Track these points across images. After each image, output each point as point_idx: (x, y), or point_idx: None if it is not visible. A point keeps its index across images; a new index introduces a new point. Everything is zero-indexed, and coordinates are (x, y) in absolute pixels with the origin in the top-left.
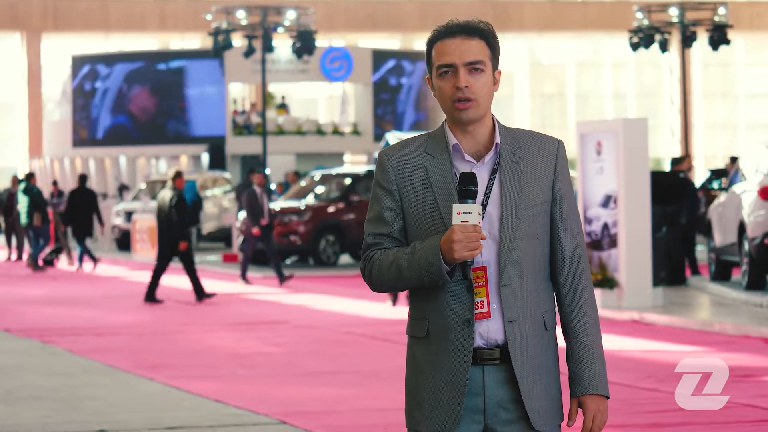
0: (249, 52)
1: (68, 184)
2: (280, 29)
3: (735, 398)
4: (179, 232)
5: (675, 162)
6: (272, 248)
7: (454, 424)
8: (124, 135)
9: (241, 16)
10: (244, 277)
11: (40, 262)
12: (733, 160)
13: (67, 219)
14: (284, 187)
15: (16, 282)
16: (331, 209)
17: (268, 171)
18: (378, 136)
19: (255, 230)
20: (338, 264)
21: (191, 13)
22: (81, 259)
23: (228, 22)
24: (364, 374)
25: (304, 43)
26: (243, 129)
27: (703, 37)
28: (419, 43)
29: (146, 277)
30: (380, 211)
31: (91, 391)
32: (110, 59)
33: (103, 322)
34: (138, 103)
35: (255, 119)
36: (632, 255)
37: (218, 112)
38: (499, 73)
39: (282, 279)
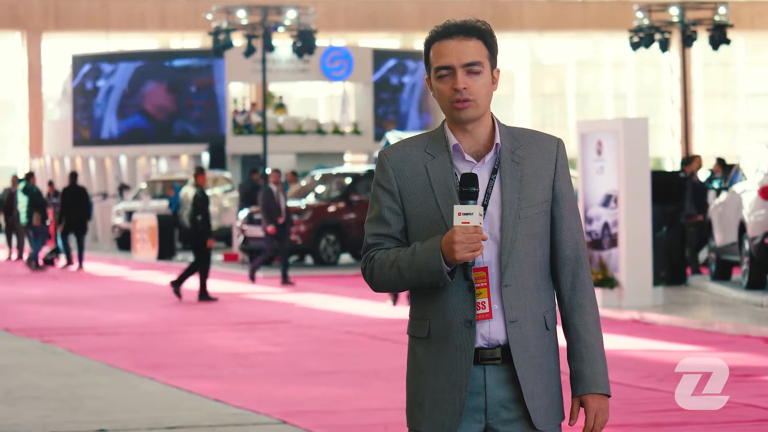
0: (249, 51)
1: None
2: (280, 29)
3: (735, 398)
4: (204, 229)
5: (685, 162)
6: (285, 247)
7: (455, 424)
8: (141, 135)
9: (241, 15)
10: (253, 275)
11: (40, 262)
12: (720, 161)
13: (61, 217)
14: (284, 187)
15: (16, 281)
16: (331, 209)
17: (268, 171)
18: (378, 136)
19: (270, 228)
20: (339, 263)
21: (191, 13)
22: (81, 258)
23: (228, 21)
24: (364, 374)
25: (305, 43)
26: (243, 128)
27: (703, 37)
28: (419, 43)
29: (146, 276)
30: (380, 212)
31: (91, 390)
32: (113, 58)
33: (104, 322)
34: (154, 101)
35: (255, 119)
36: (632, 254)
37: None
38: (498, 72)
39: (285, 279)
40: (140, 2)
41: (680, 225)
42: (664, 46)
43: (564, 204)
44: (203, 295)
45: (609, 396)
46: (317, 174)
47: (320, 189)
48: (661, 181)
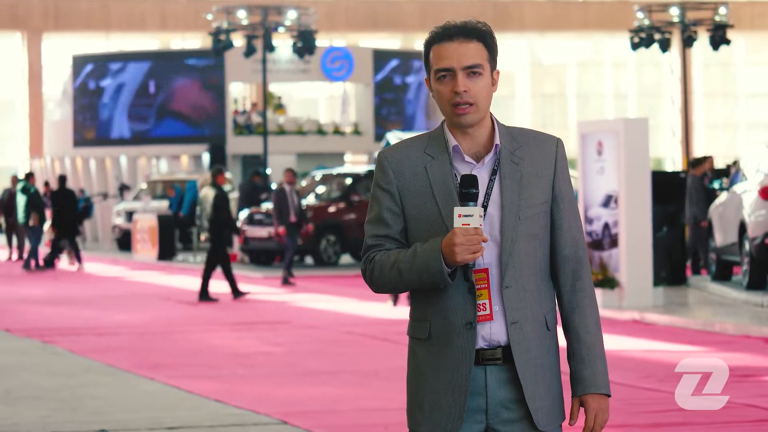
0: (249, 51)
1: (69, 184)
2: (280, 29)
3: (736, 398)
4: (229, 228)
5: (695, 164)
6: (293, 247)
7: (456, 425)
8: (177, 137)
9: (241, 15)
10: (286, 277)
11: (41, 262)
12: (694, 163)
13: (54, 221)
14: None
15: (16, 282)
16: (331, 209)
17: (269, 171)
18: (379, 136)
19: (281, 230)
20: (339, 264)
21: (192, 13)
22: (79, 258)
23: (229, 21)
24: (364, 374)
25: (305, 43)
26: (244, 129)
27: (703, 37)
28: (420, 44)
29: (146, 277)
30: (380, 213)
31: (91, 390)
32: (118, 57)
33: (104, 322)
34: (187, 102)
35: (256, 119)
36: (633, 255)
37: None
38: (498, 73)
39: (286, 279)
40: (141, 2)
41: (681, 225)
42: (665, 46)
43: (564, 204)
44: (204, 294)
45: (609, 396)
46: (317, 174)
47: (320, 189)
48: (662, 182)
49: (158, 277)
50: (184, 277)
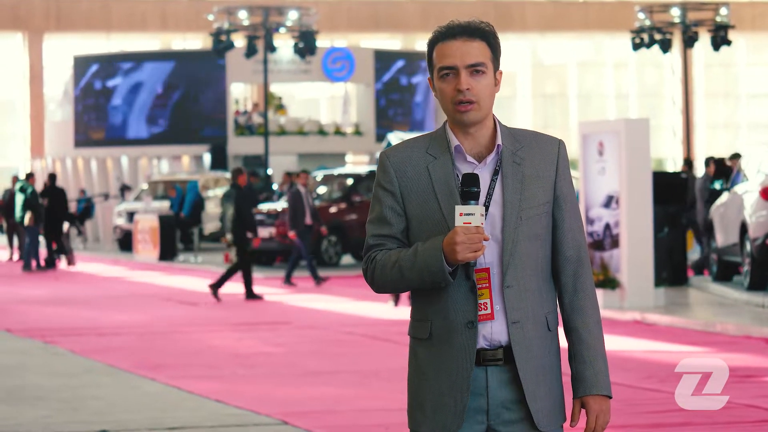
0: (251, 52)
1: (69, 185)
2: (281, 29)
3: (737, 398)
4: (249, 228)
5: (707, 164)
6: (306, 249)
7: (456, 425)
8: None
9: (242, 16)
10: (317, 279)
11: (42, 262)
12: (687, 163)
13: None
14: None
15: (17, 282)
16: (333, 210)
17: (270, 171)
18: (380, 137)
19: (291, 234)
20: (340, 264)
21: (193, 14)
22: (66, 253)
23: (230, 22)
24: (365, 374)
25: (306, 44)
26: (245, 129)
27: (704, 38)
28: (421, 44)
29: (147, 277)
30: (382, 212)
31: (92, 391)
32: (139, 57)
33: (105, 322)
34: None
35: (257, 119)
36: (634, 255)
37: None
38: (500, 73)
39: (288, 279)
40: (141, 3)
41: (682, 226)
42: (666, 46)
43: (565, 205)
44: (249, 293)
45: (610, 397)
46: (319, 175)
47: (321, 190)
48: (663, 182)
49: (159, 277)
50: (185, 278)
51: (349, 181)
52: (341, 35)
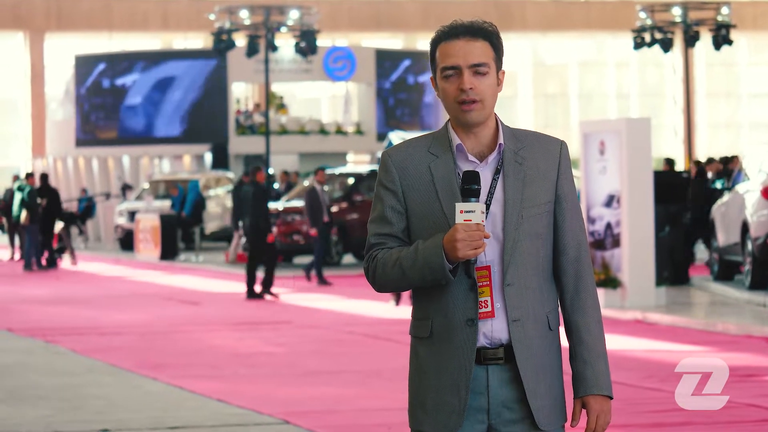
0: (252, 51)
1: (71, 185)
2: (283, 29)
3: (737, 398)
4: (264, 225)
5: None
6: (322, 248)
7: (457, 424)
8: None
9: (244, 15)
10: (322, 279)
11: (43, 262)
12: (697, 163)
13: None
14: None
15: (18, 281)
16: (334, 209)
17: (271, 171)
18: (381, 136)
19: (312, 231)
20: (341, 264)
21: (194, 13)
22: (50, 252)
23: (231, 21)
24: (366, 374)
25: (308, 43)
26: (246, 129)
27: (706, 37)
28: (422, 43)
29: (149, 277)
30: (383, 211)
31: (94, 390)
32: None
33: (106, 322)
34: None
35: (258, 119)
36: (635, 255)
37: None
38: (503, 73)
39: (320, 279)
40: (143, 2)
41: (683, 225)
42: (667, 46)
43: (567, 205)
44: (251, 292)
45: (611, 397)
46: None
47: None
48: (664, 182)
49: (160, 276)
50: (186, 277)
51: (351, 181)
52: (342, 35)
